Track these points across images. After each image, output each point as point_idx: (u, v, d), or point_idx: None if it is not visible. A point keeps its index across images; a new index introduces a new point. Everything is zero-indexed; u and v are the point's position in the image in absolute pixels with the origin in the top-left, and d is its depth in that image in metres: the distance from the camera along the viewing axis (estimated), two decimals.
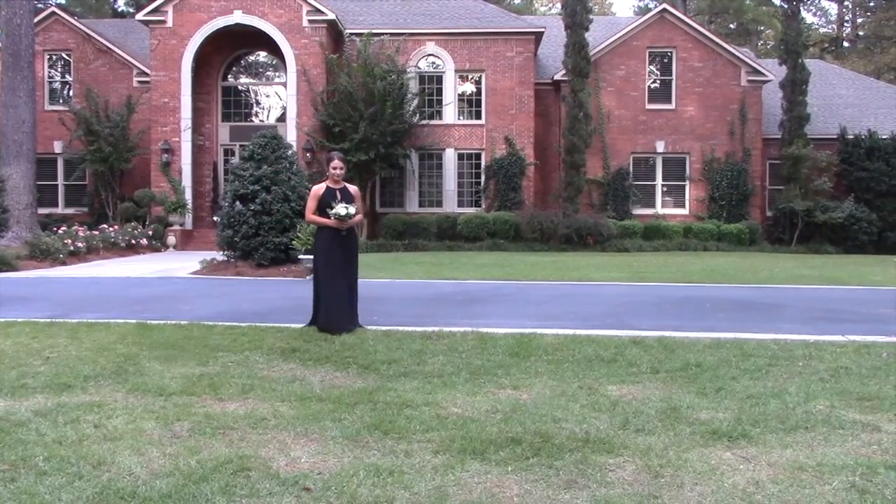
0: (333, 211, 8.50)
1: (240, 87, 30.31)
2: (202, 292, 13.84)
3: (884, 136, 29.63)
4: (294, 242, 17.03)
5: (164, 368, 6.77)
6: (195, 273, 17.75)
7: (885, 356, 7.42)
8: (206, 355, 7.35)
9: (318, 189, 8.80)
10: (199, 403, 5.63)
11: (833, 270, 18.93)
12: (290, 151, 19.33)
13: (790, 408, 5.56)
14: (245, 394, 5.91)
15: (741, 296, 13.39)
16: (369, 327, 9.01)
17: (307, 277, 16.62)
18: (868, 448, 4.70)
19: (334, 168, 8.78)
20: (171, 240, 26.38)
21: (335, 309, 8.60)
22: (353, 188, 8.89)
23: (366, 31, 27.97)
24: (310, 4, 27.49)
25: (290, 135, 27.01)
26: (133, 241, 24.59)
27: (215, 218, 23.39)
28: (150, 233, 25.86)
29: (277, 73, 29.98)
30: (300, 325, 9.11)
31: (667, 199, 29.96)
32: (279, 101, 30.01)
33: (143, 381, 6.29)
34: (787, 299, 12.91)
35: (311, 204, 8.75)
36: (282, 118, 29.19)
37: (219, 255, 19.15)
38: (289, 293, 13.77)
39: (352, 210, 8.55)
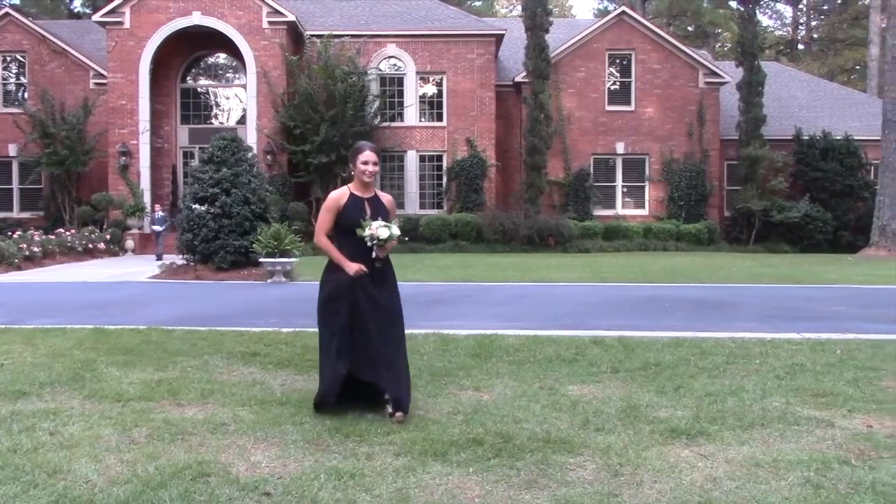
0: (368, 233, 5.28)
1: (199, 89, 30.04)
2: (161, 296, 13.69)
3: (837, 137, 30.18)
4: (255, 245, 16.91)
5: (121, 374, 6.69)
6: (154, 277, 17.56)
7: (839, 353, 7.55)
8: (164, 360, 7.27)
9: (338, 197, 5.47)
10: (157, 409, 5.56)
11: (789, 269, 19.22)
12: (250, 154, 19.20)
13: (747, 405, 5.64)
14: (204, 399, 5.86)
15: (699, 295, 13.54)
16: None
17: (268, 280, 16.53)
18: (822, 444, 4.78)
19: (364, 164, 5.43)
20: (130, 244, 26.05)
21: (331, 376, 5.40)
22: (386, 197, 5.66)
23: (326, 32, 27.88)
24: (269, 6, 27.34)
25: (251, 137, 26.82)
26: (90, 246, 24.25)
27: (174, 221, 23.19)
28: (108, 237, 25.53)
29: (237, 75, 29.75)
30: (257, 331, 9.02)
31: (627, 199, 30.23)
32: (239, 103, 29.78)
33: (101, 387, 6.20)
34: (745, 298, 13.09)
35: (324, 219, 5.48)
36: (242, 120, 28.98)
37: (178, 259, 18.97)
38: (249, 297, 13.67)
39: (395, 230, 5.36)
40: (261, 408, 5.58)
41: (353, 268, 5.31)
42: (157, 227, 23.88)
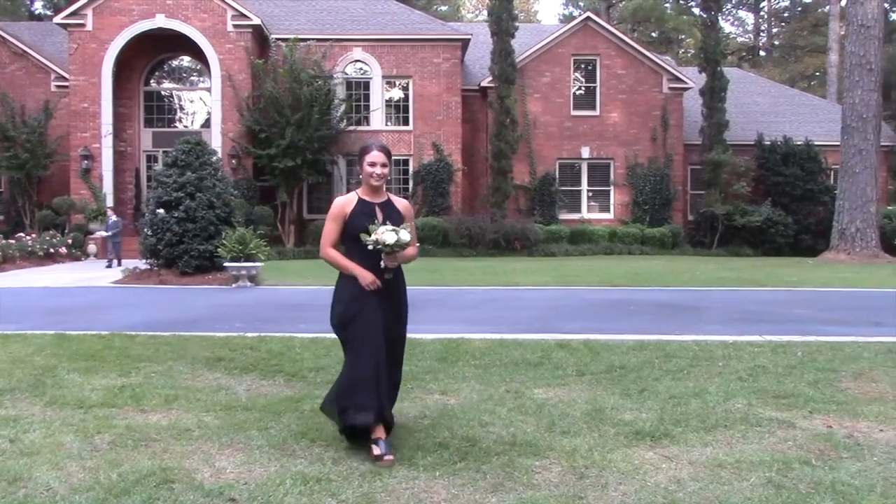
0: (372, 238, 4.67)
1: (163, 93, 29.76)
2: (124, 301, 13.54)
3: (798, 143, 30.64)
4: (219, 250, 16.79)
5: (83, 380, 6.60)
6: (117, 282, 17.36)
7: (800, 355, 7.66)
8: (127, 366, 7.18)
9: (344, 204, 4.87)
10: (120, 415, 5.50)
11: (751, 272, 19.46)
12: (214, 157, 19.07)
13: (710, 407, 5.70)
14: (168, 404, 5.80)
15: (664, 298, 13.67)
16: (298, 335, 8.91)
17: (233, 285, 16.41)
18: (784, 444, 4.85)
19: (371, 165, 4.84)
20: (92, 248, 25.73)
21: (369, 393, 4.70)
22: (401, 202, 5.03)
23: (292, 36, 27.75)
24: (234, 9, 27.18)
25: (215, 141, 26.61)
26: (52, 250, 23.91)
27: (138, 225, 22.95)
28: (70, 241, 25.19)
29: (202, 78, 29.52)
30: (222, 336, 8.95)
31: (592, 203, 30.43)
32: (204, 106, 29.56)
33: (62, 393, 6.12)
34: (708, 301, 13.23)
35: (329, 230, 4.87)
36: (206, 124, 28.76)
37: (142, 264, 18.76)
38: (214, 301, 13.56)
39: (404, 235, 4.72)
40: (226, 413, 5.54)
41: (367, 277, 4.72)
42: (104, 233, 23.57)
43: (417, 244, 5.02)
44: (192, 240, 17.56)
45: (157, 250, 17.79)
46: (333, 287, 4.97)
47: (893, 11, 39.63)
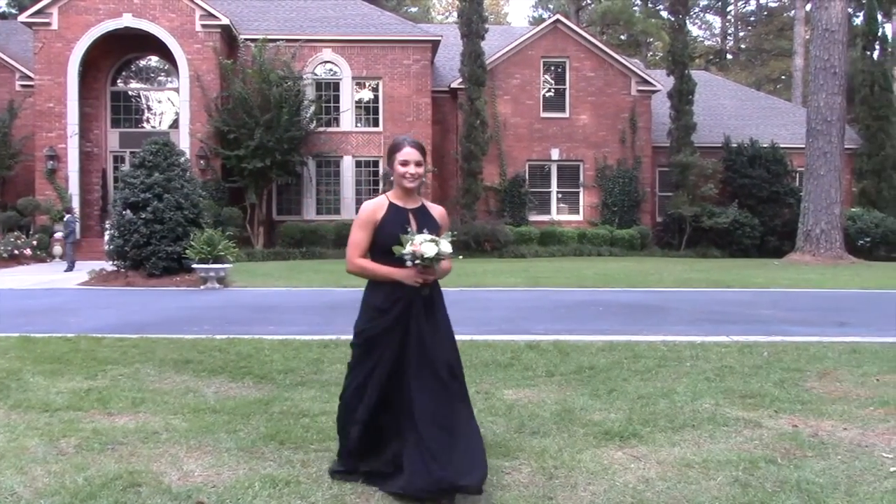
0: (409, 249, 3.98)
1: (130, 93, 29.46)
2: (90, 304, 13.39)
3: (764, 145, 31.01)
4: (187, 251, 16.65)
5: (49, 383, 6.51)
6: (83, 284, 17.16)
7: (766, 355, 7.75)
8: (94, 369, 7.10)
9: (374, 209, 4.20)
10: (86, 419, 5.43)
11: (718, 274, 19.65)
12: (182, 158, 18.94)
13: (678, 407, 5.75)
14: (135, 407, 5.74)
15: (632, 299, 13.77)
16: (267, 337, 8.86)
17: (201, 287, 16.28)
18: (750, 444, 4.90)
19: (404, 164, 4.21)
20: (58, 250, 25.38)
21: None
22: (437, 209, 4.38)
23: (261, 36, 27.60)
24: (202, 9, 26.97)
25: (183, 141, 26.39)
26: (16, 252, 23.58)
27: (105, 226, 22.70)
28: (35, 243, 24.85)
29: (170, 79, 29.27)
30: (190, 338, 8.88)
31: (562, 205, 30.57)
32: (172, 106, 29.31)
33: (27, 396, 6.03)
34: (676, 302, 13.34)
35: (358, 239, 4.21)
36: (175, 124, 28.53)
37: (108, 265, 18.56)
38: (182, 303, 13.45)
39: (445, 246, 4.03)
40: (194, 416, 5.49)
41: (410, 274, 4.01)
42: (60, 234, 23.23)
43: (450, 258, 4.23)
44: (159, 241, 17.41)
45: (125, 252, 17.61)
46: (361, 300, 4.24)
47: (857, 16, 40.20)
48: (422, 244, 3.96)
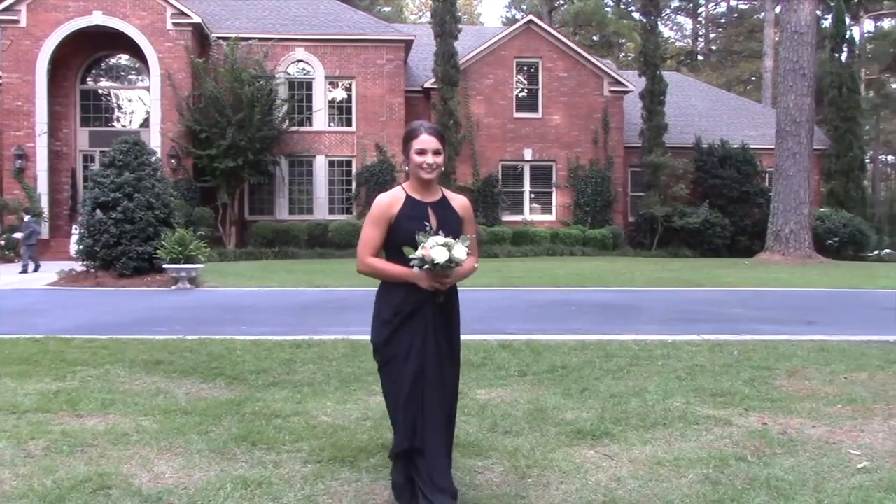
0: (418, 254, 3.56)
1: (100, 91, 29.17)
2: (59, 304, 13.24)
3: (735, 146, 31.30)
4: (158, 251, 16.52)
5: (17, 385, 6.43)
6: (52, 284, 16.97)
7: (736, 354, 7.82)
8: (63, 370, 7.02)
9: (389, 203, 3.76)
10: (55, 420, 5.38)
11: (690, 273, 19.81)
12: (153, 158, 18.77)
13: (650, 405, 5.79)
14: (105, 409, 5.69)
15: (604, 299, 13.84)
16: (239, 338, 8.81)
17: (173, 287, 16.16)
18: (720, 441, 4.95)
19: (420, 153, 3.71)
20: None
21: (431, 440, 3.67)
22: (459, 200, 3.91)
23: (233, 35, 27.42)
24: (174, 7, 26.75)
25: (154, 141, 26.16)
26: None
27: (74, 227, 22.45)
28: (3, 243, 24.52)
29: (140, 77, 29.01)
30: (161, 339, 8.79)
31: (535, 205, 30.66)
32: (143, 105, 29.05)
33: None
34: (648, 301, 13.43)
35: (370, 236, 3.77)
36: (145, 123, 28.27)
37: (78, 266, 18.36)
38: (153, 304, 13.34)
39: (459, 252, 3.54)
40: (164, 417, 5.45)
41: (423, 279, 3.58)
42: (17, 235, 22.92)
43: (475, 256, 3.79)
44: (130, 241, 17.26)
45: (94, 252, 17.43)
46: (375, 300, 3.80)
47: (825, 19, 40.70)
48: (432, 248, 3.49)
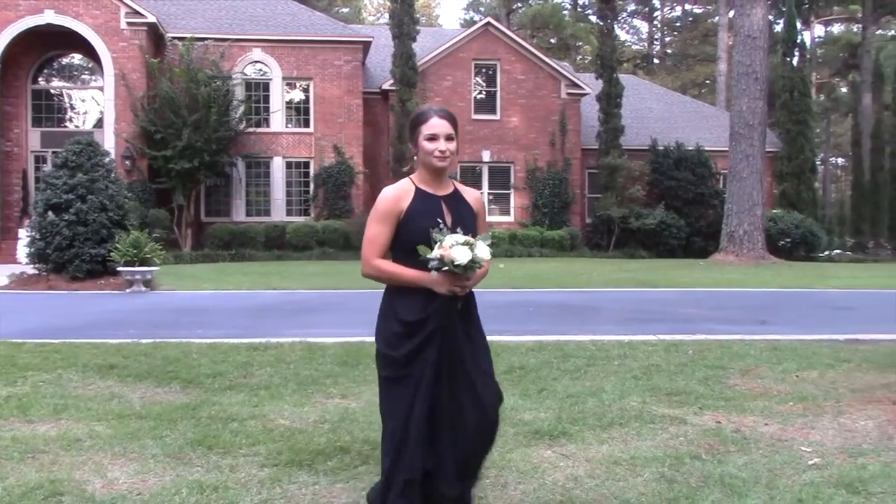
0: (436, 253, 3.16)
1: (53, 91, 28.68)
2: (10, 308, 12.98)
3: (689, 148, 31.71)
4: (112, 254, 16.28)
5: None
6: (2, 288, 16.64)
7: (691, 353, 7.92)
8: (13, 375, 6.89)
9: (397, 196, 3.38)
10: (5, 426, 5.27)
11: (646, 274, 20.02)
12: (107, 159, 18.48)
13: (606, 405, 5.84)
14: (57, 414, 5.59)
15: (562, 299, 13.93)
16: (195, 341, 8.71)
17: (127, 290, 15.94)
18: (676, 440, 5.01)
19: (431, 139, 3.34)
20: None
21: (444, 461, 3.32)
22: (472, 193, 3.56)
23: (189, 35, 27.10)
24: (128, 6, 26.38)
25: (108, 141, 25.76)
26: None
27: (25, 229, 22.02)
28: None
29: (94, 77, 28.57)
30: (115, 343, 8.66)
31: (493, 206, 30.75)
32: (96, 105, 28.61)
33: None
34: (605, 302, 13.55)
35: (375, 234, 3.36)
36: (99, 124, 27.83)
37: (29, 269, 18.03)
38: (107, 307, 13.15)
39: (482, 251, 3.19)
40: (118, 422, 5.37)
41: (444, 281, 3.20)
42: None
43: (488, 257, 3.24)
44: (83, 244, 16.98)
45: (46, 255, 17.13)
46: (380, 306, 3.41)
47: (777, 24, 41.41)
48: (452, 248, 3.10)
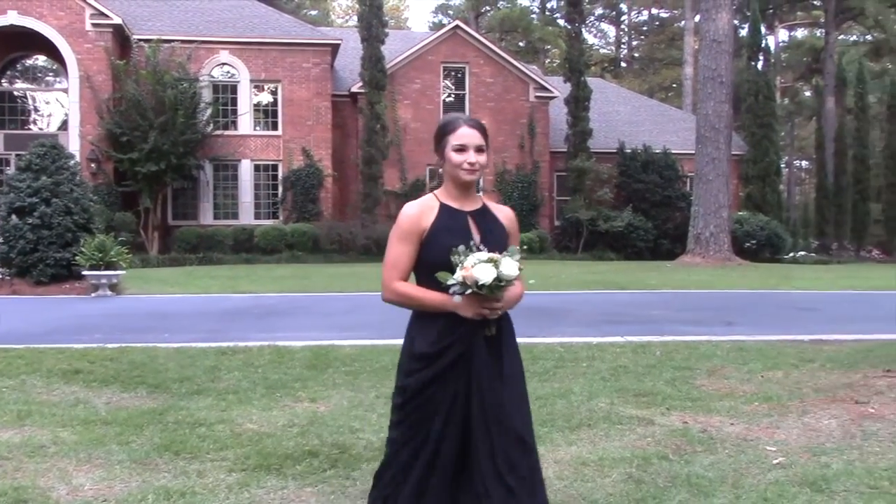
0: (458, 275, 2.83)
1: (16, 93, 28.30)
2: None
3: (657, 151, 31.96)
4: (78, 258, 16.09)
5: None
6: None
7: (659, 355, 7.99)
8: None
9: (419, 213, 3.08)
10: None
11: (614, 276, 20.15)
12: (72, 161, 18.29)
13: (575, 407, 5.87)
14: (21, 420, 5.52)
15: (531, 302, 13.90)
16: (161, 345, 8.63)
17: (92, 294, 15.76)
18: (643, 441, 5.05)
19: (460, 150, 3.08)
20: None
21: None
22: (504, 211, 3.25)
23: (155, 36, 26.86)
24: (93, 7, 26.08)
25: (73, 144, 25.44)
26: None
27: None
28: None
29: (58, 79, 28.22)
30: (80, 347, 8.57)
31: None
32: (61, 108, 28.26)
33: None
34: (573, 304, 13.62)
35: (397, 255, 3.03)
36: (64, 126, 27.48)
37: None
38: (72, 311, 12.99)
39: (508, 267, 2.83)
40: (84, 428, 5.31)
41: (469, 306, 2.85)
42: None
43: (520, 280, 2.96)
44: (47, 247, 16.78)
45: (10, 259, 16.91)
46: (405, 335, 3.08)
47: (742, 28, 41.91)
48: (474, 266, 2.79)
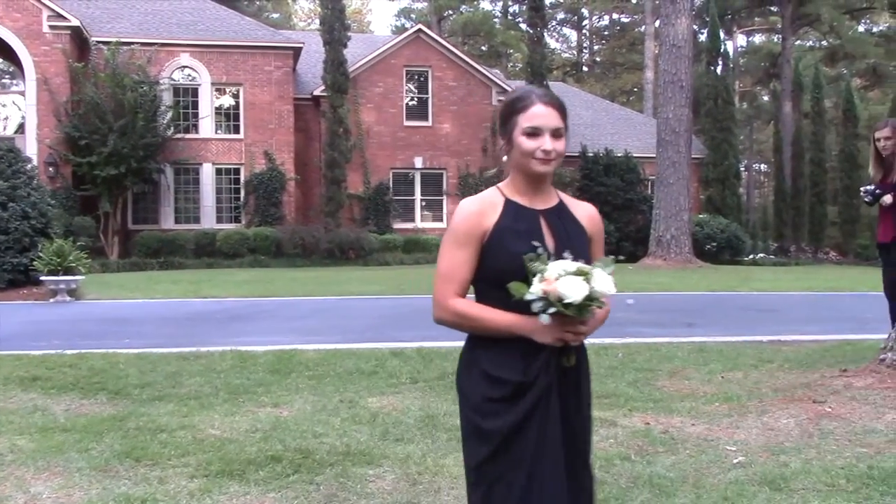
0: (538, 288, 2.22)
1: None
2: None
3: (618, 154, 32.26)
4: (35, 263, 15.84)
5: None
6: None
7: (621, 356, 8.06)
8: None
9: (481, 210, 2.45)
10: None
11: None
12: (29, 165, 18.02)
13: None
14: None
15: None
16: (122, 351, 8.53)
17: (51, 300, 15.52)
18: (606, 442, 5.08)
19: (532, 135, 2.39)
20: None
21: None
22: (583, 208, 2.60)
23: (114, 39, 26.55)
24: (50, 9, 25.71)
25: (30, 148, 25.05)
26: None
27: None
28: None
29: (15, 81, 27.82)
30: (38, 354, 8.43)
31: (426, 212, 30.83)
32: (18, 111, 27.81)
33: None
34: None
35: (452, 262, 2.41)
36: (20, 130, 27.06)
37: None
38: (29, 317, 12.77)
39: (602, 283, 2.23)
40: (42, 435, 5.23)
41: (547, 331, 2.30)
42: None
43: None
44: (4, 252, 16.50)
45: None
46: (457, 373, 2.63)
47: (701, 33, 42.42)
48: (559, 279, 2.21)
